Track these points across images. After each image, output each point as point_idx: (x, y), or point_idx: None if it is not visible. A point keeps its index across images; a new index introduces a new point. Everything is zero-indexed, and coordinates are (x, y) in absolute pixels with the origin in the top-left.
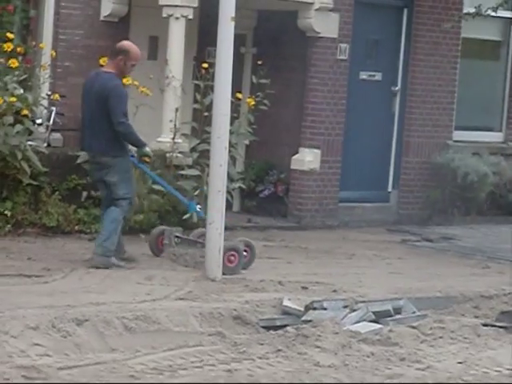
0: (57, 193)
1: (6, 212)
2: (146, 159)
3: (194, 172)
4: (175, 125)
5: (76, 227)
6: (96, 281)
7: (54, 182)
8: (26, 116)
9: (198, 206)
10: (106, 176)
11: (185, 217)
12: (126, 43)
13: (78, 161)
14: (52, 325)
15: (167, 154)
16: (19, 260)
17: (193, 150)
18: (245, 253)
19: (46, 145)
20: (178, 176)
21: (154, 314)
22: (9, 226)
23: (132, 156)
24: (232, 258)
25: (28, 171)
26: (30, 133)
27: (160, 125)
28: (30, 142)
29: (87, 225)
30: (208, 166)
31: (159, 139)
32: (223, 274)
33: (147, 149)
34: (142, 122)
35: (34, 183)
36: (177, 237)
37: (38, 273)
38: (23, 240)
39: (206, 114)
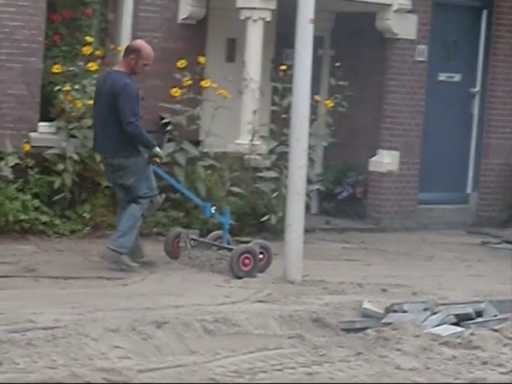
0: None
1: (84, 214)
2: (157, 160)
3: (273, 174)
4: (253, 127)
5: (154, 229)
6: (175, 283)
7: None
8: None
9: (213, 208)
10: (122, 179)
11: (263, 219)
12: (138, 42)
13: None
14: (132, 327)
15: (245, 156)
16: (98, 262)
17: (271, 152)
18: (261, 255)
19: None
20: (256, 178)
21: (233, 317)
22: (87, 228)
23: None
24: (247, 261)
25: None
26: None
27: (238, 127)
28: None
29: (166, 227)
30: (286, 168)
31: (237, 141)
32: (238, 277)
33: (157, 149)
34: (220, 124)
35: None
36: (193, 239)
37: (117, 275)
38: (102, 242)
39: (284, 115)
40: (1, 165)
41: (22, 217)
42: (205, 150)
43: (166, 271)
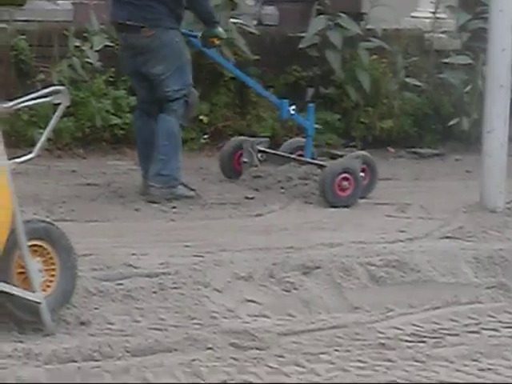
0: (272, 90)
1: (201, 117)
2: (216, 41)
3: (464, 59)
4: None
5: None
6: (327, 213)
7: (267, 74)
8: None
9: (292, 108)
10: (146, 66)
11: (451, 123)
12: None
13: (302, 44)
14: (270, 274)
15: (426, 35)
16: (218, 183)
17: (462, 28)
18: (362, 173)
19: (256, 23)
20: (441, 65)
21: (411, 259)
22: (206, 136)
23: (191, 35)
24: (345, 183)
25: (232, 60)
26: (234, 6)
27: None
28: (233, 20)
29: (315, 134)
30: (484, 51)
31: (414, 14)
32: (332, 206)
33: (220, 28)
34: None
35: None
36: (261, 151)
37: (247, 202)
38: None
39: None
40: (84, 48)
41: (114, 120)
42: (369, 27)
43: (314, 195)
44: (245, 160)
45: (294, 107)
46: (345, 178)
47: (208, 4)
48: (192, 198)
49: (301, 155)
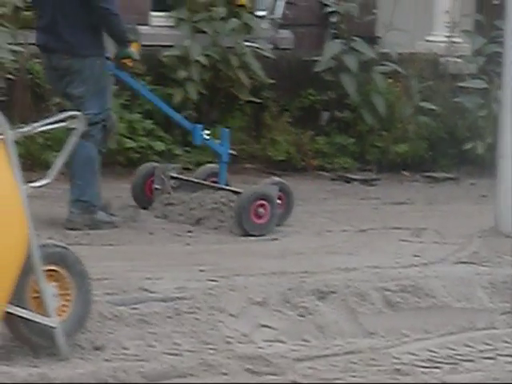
0: (287, 114)
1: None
2: (128, 63)
3: (480, 84)
4: (452, 18)
5: (313, 162)
6: (342, 237)
7: (282, 98)
8: (243, 6)
9: (206, 132)
10: (68, 87)
11: (466, 147)
12: None
13: (317, 68)
14: (284, 299)
15: (441, 59)
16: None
17: (477, 52)
18: (278, 201)
19: (271, 46)
20: (457, 90)
21: (426, 284)
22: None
23: (107, 58)
24: (261, 210)
25: (247, 84)
26: (250, 29)
27: (431, 18)
28: (249, 43)
29: (329, 158)
30: (499, 75)
31: (429, 38)
32: (249, 234)
33: (132, 48)
34: (405, 15)
35: (256, 100)
36: (174, 178)
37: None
38: (239, 180)
39: (495, 1)
40: None
41: (129, 144)
42: (384, 51)
43: (328, 219)
44: (156, 186)
45: (207, 132)
46: (261, 205)
47: (120, 22)
48: (112, 223)
49: (214, 182)
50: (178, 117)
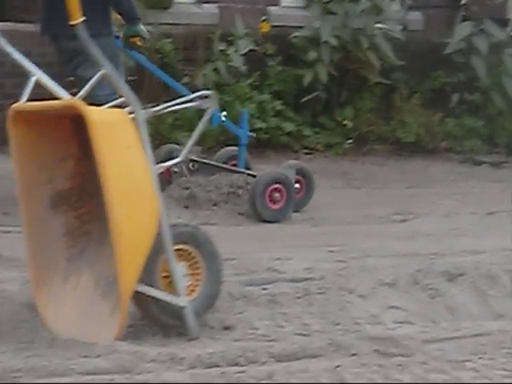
0: (416, 95)
1: (345, 122)
2: (137, 41)
3: None
4: None
5: (443, 143)
6: (471, 220)
7: (412, 80)
8: None
9: (223, 114)
10: (76, 70)
11: None
12: None
13: (447, 50)
14: (414, 280)
15: None
16: (363, 187)
17: None
18: (296, 185)
19: (401, 28)
20: None
21: None
22: (349, 141)
23: (116, 37)
24: (276, 194)
25: (377, 65)
26: (380, 11)
27: None
28: (379, 25)
29: (458, 140)
30: None
31: None
32: (262, 220)
33: (142, 26)
34: None
35: (385, 82)
36: (192, 160)
37: (389, 209)
38: (368, 161)
39: None
40: (229, 52)
41: (258, 125)
42: None
43: (456, 203)
44: (175, 170)
45: (225, 113)
46: (276, 189)
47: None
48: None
49: (234, 165)
50: (182, 88)
